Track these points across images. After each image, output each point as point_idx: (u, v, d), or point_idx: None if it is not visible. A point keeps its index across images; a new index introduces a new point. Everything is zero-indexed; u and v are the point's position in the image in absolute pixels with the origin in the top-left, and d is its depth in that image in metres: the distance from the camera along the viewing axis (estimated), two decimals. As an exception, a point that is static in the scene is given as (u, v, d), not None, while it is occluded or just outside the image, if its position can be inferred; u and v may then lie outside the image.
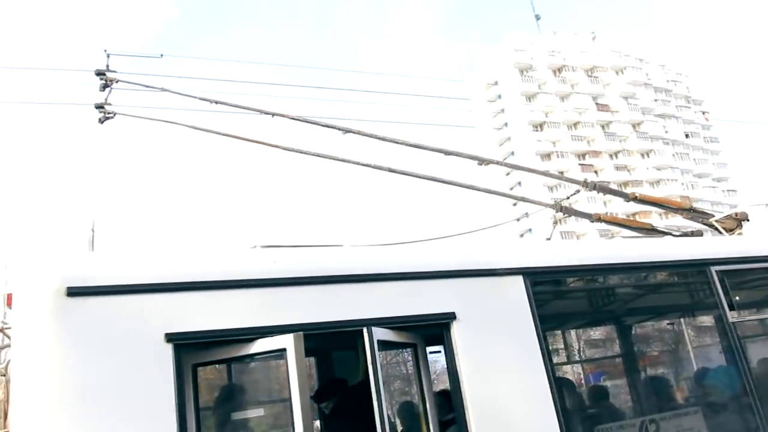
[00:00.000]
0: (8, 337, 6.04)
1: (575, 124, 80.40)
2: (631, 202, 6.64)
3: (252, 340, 3.31)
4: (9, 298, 3.96)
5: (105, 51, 8.90)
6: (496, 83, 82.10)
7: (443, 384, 4.68)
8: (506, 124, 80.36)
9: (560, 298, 4.83)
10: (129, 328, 3.17)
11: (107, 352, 3.10)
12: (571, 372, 5.41)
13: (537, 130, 78.86)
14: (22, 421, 3.02)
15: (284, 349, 3.22)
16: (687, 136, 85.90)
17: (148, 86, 8.12)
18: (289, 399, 3.16)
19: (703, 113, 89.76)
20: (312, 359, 5.84)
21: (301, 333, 3.25)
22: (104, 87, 8.36)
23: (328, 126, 5.77)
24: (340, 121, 5.93)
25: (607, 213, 6.51)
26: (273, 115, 5.62)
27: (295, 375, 3.16)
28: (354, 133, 5.64)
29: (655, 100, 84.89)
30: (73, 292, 3.12)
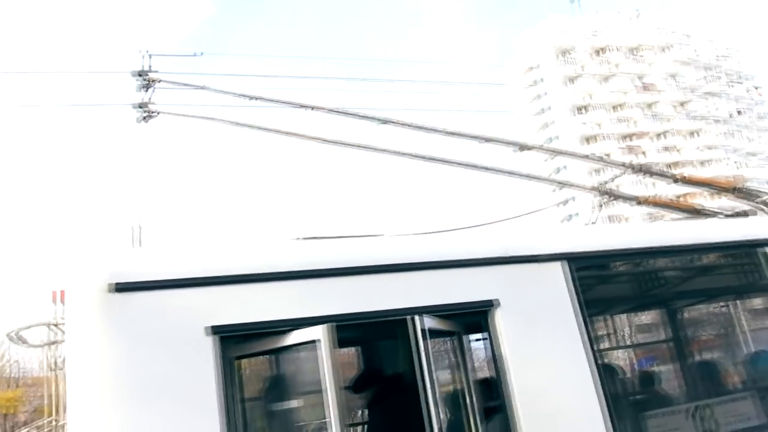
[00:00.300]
0: (62, 332, 6.31)
1: (619, 106, 78.39)
2: (679, 184, 6.45)
3: (289, 331, 3.34)
4: (62, 294, 4.12)
5: (146, 52, 9.03)
6: (536, 67, 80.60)
7: (483, 372, 4.66)
8: (546, 108, 78.90)
9: (603, 283, 4.75)
10: (173, 322, 3.24)
11: (153, 345, 3.18)
12: (617, 357, 5.33)
13: (580, 113, 77.26)
14: (76, 413, 3.13)
15: (317, 340, 3.23)
16: (738, 113, 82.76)
17: (188, 85, 8.25)
18: (324, 390, 3.18)
19: (756, 88, 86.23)
20: (355, 349, 5.87)
21: (333, 324, 3.26)
22: (146, 87, 8.49)
23: (365, 117, 5.79)
24: (377, 112, 5.93)
25: (653, 195, 6.31)
26: (311, 108, 5.67)
27: (329, 365, 3.18)
28: (391, 123, 5.64)
29: (704, 78, 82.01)
30: (120, 287, 3.20)
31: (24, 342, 7.29)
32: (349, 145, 5.64)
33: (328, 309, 3.42)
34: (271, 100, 5.90)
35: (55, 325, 5.87)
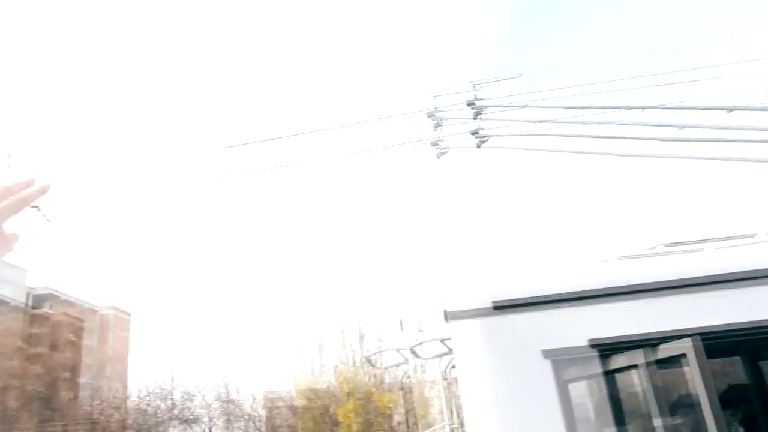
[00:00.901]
0: (447, 347, 7.20)
1: None
2: None
3: (655, 345, 3.21)
4: (445, 313, 4.68)
5: (471, 83, 9.61)
6: None
7: None
8: None
9: None
10: (551, 338, 3.32)
11: (529, 360, 3.29)
12: None
13: None
14: (471, 421, 3.44)
15: (684, 355, 3.08)
16: None
17: (511, 105, 8.59)
18: (696, 406, 3.01)
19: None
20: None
21: (698, 336, 3.07)
22: (476, 115, 9.10)
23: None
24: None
25: None
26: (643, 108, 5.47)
27: (700, 380, 2.98)
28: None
29: None
30: (499, 306, 3.43)
31: (417, 356, 8.50)
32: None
33: (696, 322, 3.22)
34: (601, 108, 5.85)
35: (443, 341, 6.75)
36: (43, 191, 1.01)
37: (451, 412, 10.44)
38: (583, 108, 6.61)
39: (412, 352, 8.09)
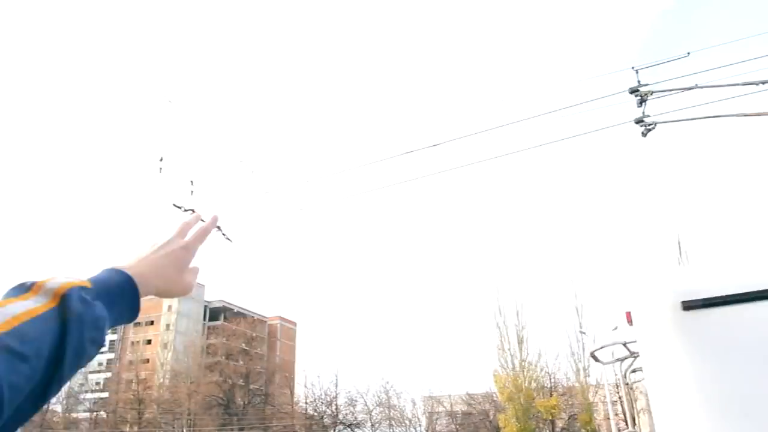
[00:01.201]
0: (629, 350, 6.79)
1: None
2: None
3: None
4: (628, 316, 4.45)
5: (633, 68, 9.18)
6: None
7: None
8: None
9: None
10: (744, 337, 3.17)
11: (725, 361, 3.18)
12: None
13: None
14: (661, 422, 3.35)
15: None
16: None
17: (675, 89, 8.02)
18: None
19: None
20: None
21: None
22: (641, 102, 8.68)
23: None
24: None
25: None
26: None
27: None
28: None
29: None
30: (688, 305, 3.32)
31: (597, 360, 8.12)
32: None
33: None
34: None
35: (625, 344, 6.41)
36: (214, 223, 1.11)
37: (633, 418, 9.99)
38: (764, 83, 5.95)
39: (593, 356, 7.81)
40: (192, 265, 1.03)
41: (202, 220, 1.10)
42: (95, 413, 50.96)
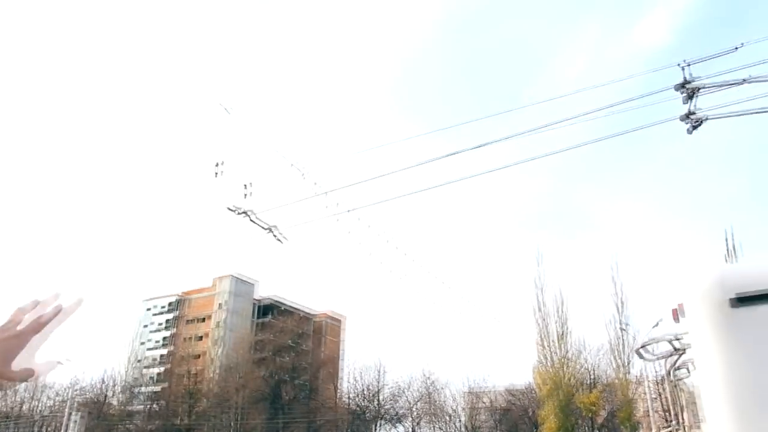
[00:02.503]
0: (674, 347, 7.40)
1: None
2: None
3: None
4: (674, 312, 4.43)
5: (680, 64, 8.71)
6: None
7: None
8: None
9: None
10: None
11: None
12: None
13: None
14: (711, 418, 3.47)
15: None
16: None
17: (725, 83, 7.86)
18: None
19: None
20: None
21: None
22: (688, 98, 8.26)
23: None
24: None
25: None
26: None
27: None
28: None
29: None
30: (740, 300, 3.36)
31: (642, 357, 8.77)
32: None
33: None
34: None
35: (670, 341, 6.97)
36: (78, 305, 1.00)
37: (677, 415, 10.35)
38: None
39: (638, 353, 8.27)
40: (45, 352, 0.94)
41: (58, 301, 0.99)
42: (149, 406, 52.62)
